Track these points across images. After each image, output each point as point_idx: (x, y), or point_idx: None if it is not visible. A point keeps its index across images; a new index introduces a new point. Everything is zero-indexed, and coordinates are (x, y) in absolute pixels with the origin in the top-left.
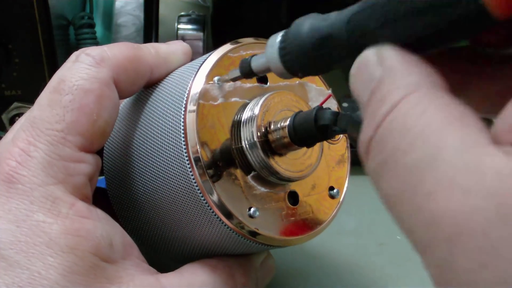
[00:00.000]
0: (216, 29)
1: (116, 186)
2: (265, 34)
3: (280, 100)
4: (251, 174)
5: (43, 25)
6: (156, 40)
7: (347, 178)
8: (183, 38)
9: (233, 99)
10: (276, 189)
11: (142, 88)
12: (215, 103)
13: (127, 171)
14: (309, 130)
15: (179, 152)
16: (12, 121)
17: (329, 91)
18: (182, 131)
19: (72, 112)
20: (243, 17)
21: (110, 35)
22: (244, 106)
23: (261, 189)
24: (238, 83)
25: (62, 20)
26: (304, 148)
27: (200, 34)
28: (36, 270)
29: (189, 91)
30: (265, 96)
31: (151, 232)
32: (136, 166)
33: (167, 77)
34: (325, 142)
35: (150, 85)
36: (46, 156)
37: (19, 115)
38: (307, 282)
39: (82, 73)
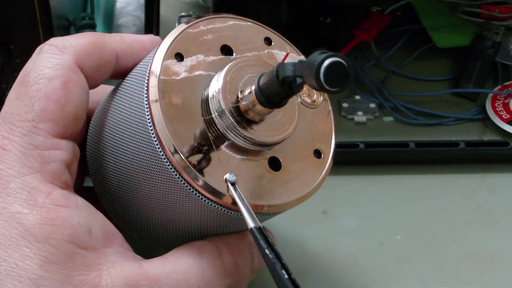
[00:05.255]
0: None
1: (98, 181)
2: None
3: (244, 66)
4: (225, 144)
5: (44, 26)
6: None
7: (333, 140)
8: None
9: (197, 73)
10: (256, 156)
11: (117, 79)
12: (178, 78)
13: (105, 165)
14: (274, 88)
15: (144, 131)
16: None
17: (287, 50)
18: (147, 110)
19: (40, 101)
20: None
21: None
22: (210, 79)
23: (237, 156)
24: (201, 56)
25: (63, 20)
26: (280, 112)
27: None
28: (13, 261)
29: (149, 71)
30: (229, 65)
31: (141, 223)
32: (111, 158)
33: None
34: (305, 109)
35: (123, 76)
36: (20, 147)
37: None
38: (306, 282)
39: (46, 62)
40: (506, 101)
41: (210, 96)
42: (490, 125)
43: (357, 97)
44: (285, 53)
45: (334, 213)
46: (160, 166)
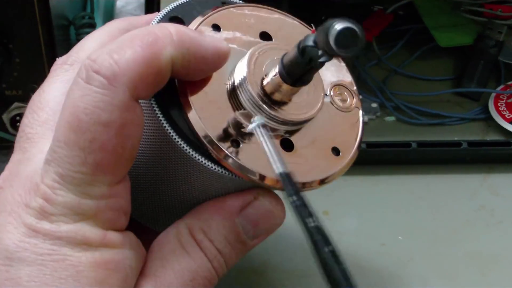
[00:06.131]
0: None
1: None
2: None
3: (265, 51)
4: (242, 111)
5: (44, 25)
6: None
7: (355, 146)
8: None
9: (230, 45)
10: (273, 131)
11: None
12: None
13: None
14: (295, 60)
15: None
16: (12, 121)
17: (312, 28)
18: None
19: (94, 154)
20: None
21: None
22: (241, 56)
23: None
24: (238, 34)
25: (62, 20)
26: (305, 94)
27: None
28: None
29: None
30: (248, 53)
31: (157, 208)
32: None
33: None
34: (334, 110)
35: None
36: (74, 195)
37: (20, 115)
38: (307, 282)
39: (97, 100)
40: (509, 100)
41: (237, 89)
42: (492, 125)
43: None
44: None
45: (336, 214)
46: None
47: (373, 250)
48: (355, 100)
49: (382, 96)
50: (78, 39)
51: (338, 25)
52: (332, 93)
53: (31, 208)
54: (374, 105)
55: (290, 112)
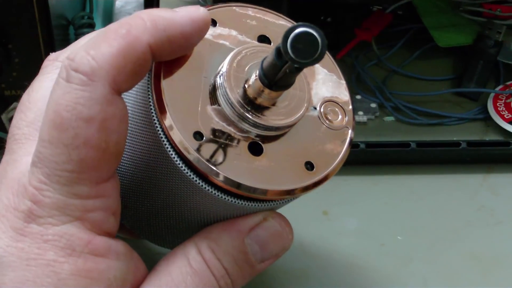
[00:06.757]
0: None
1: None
2: None
3: (254, 52)
4: (214, 106)
5: (43, 25)
6: None
7: (333, 166)
8: None
9: (221, 41)
10: (243, 133)
11: None
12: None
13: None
14: (275, 65)
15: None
16: (11, 121)
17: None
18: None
19: (78, 150)
20: None
21: None
22: (218, 63)
23: (224, 124)
24: (234, 32)
25: (62, 20)
26: (291, 97)
27: None
28: None
29: None
30: (229, 57)
31: (151, 223)
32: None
33: None
34: (321, 125)
35: None
36: (61, 196)
37: None
38: (307, 282)
39: (77, 97)
40: (508, 100)
41: (219, 94)
42: (492, 125)
43: (358, 96)
44: None
45: (335, 214)
46: (157, 146)
47: (373, 250)
48: (346, 119)
49: (381, 96)
50: (77, 39)
51: (296, 30)
52: (322, 109)
53: (19, 211)
54: (373, 105)
55: (267, 117)
